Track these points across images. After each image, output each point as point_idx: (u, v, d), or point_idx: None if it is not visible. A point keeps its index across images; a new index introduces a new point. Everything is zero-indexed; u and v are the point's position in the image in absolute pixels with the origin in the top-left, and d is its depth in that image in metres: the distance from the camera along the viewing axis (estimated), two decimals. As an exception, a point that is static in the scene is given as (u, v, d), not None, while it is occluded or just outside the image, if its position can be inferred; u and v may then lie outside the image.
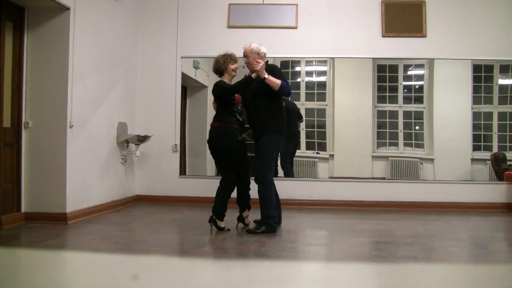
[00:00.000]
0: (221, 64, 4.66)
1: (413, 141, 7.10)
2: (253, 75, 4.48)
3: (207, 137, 4.71)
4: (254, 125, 4.61)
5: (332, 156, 6.96)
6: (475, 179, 6.69)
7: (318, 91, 7.23)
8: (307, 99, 7.17)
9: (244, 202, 4.70)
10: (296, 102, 7.09)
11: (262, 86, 4.45)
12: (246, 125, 4.79)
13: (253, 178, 4.52)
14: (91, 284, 0.97)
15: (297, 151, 7.06)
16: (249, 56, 4.54)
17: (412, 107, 7.09)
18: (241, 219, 4.72)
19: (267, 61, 4.64)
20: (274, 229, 4.47)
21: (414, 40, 6.48)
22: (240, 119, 4.70)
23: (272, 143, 4.51)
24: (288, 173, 6.81)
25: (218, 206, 4.51)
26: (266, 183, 4.46)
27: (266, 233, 4.41)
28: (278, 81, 4.40)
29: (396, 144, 7.06)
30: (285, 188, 6.54)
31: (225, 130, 4.56)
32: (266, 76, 4.39)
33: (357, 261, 3.50)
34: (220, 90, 4.62)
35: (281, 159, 6.78)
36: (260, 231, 4.42)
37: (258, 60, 4.42)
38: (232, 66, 4.66)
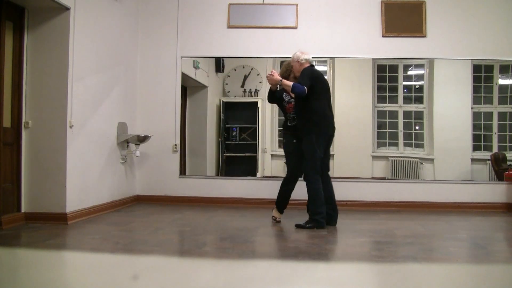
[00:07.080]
0: None
1: (413, 141, 7.10)
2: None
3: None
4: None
5: (332, 156, 6.95)
6: (475, 179, 6.68)
7: (318, 91, 7.22)
8: (307, 99, 7.15)
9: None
10: (296, 102, 7.08)
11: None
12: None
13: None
14: (91, 284, 0.97)
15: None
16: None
17: (412, 107, 7.09)
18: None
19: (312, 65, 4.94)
20: (321, 225, 4.67)
21: (414, 40, 6.47)
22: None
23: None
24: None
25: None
26: (311, 181, 4.79)
27: (313, 228, 4.64)
28: (290, 83, 4.72)
29: (396, 144, 7.06)
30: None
31: None
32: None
33: (357, 261, 3.50)
34: None
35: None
36: (308, 226, 4.67)
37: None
38: None
